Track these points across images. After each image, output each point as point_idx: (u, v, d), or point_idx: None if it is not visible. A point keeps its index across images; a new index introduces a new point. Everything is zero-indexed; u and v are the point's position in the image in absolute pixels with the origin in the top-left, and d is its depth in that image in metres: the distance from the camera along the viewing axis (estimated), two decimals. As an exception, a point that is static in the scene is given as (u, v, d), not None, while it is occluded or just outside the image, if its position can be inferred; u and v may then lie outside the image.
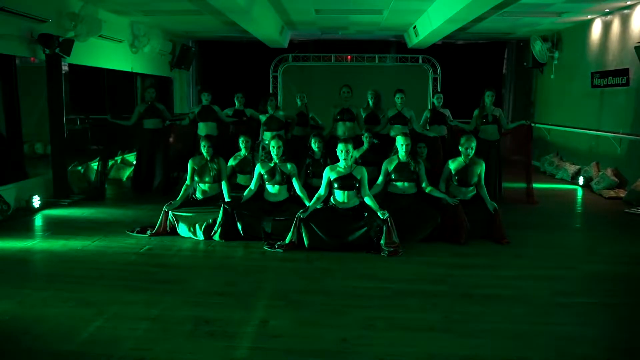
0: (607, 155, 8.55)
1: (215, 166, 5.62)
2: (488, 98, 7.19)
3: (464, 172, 5.51)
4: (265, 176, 5.43)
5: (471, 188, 5.58)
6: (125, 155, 9.32)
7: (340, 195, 5.16)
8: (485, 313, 3.60)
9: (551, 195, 7.97)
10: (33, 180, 6.94)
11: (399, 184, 5.47)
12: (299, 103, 7.52)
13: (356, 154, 6.10)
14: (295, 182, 5.45)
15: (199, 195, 5.72)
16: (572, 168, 9.30)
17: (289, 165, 5.46)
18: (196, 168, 5.63)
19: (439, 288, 4.07)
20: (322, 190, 5.18)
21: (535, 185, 7.61)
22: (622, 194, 7.64)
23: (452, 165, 5.59)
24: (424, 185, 5.45)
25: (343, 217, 5.09)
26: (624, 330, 3.45)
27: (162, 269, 4.49)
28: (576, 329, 3.39)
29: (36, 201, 6.54)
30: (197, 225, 5.37)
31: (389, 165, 5.48)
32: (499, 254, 4.99)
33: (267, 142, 5.64)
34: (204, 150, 5.62)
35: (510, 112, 12.96)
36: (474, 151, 5.51)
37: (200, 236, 5.37)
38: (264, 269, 4.54)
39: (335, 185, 5.14)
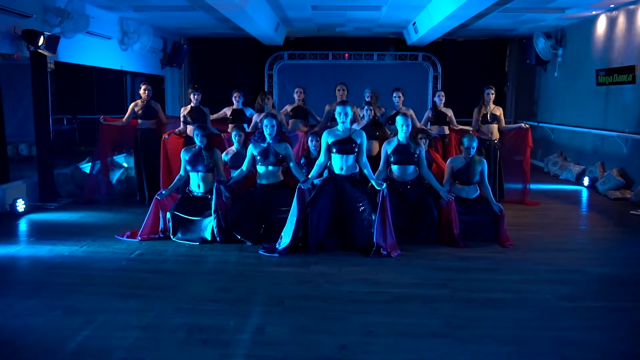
0: (613, 155, 8.43)
1: (209, 154, 5.41)
2: (488, 96, 7.09)
3: (466, 170, 5.44)
4: (258, 157, 5.26)
5: (474, 187, 5.50)
6: (114, 157, 9.11)
7: (338, 161, 4.98)
8: (488, 318, 3.53)
9: (556, 196, 7.86)
10: (17, 183, 6.75)
11: (398, 166, 5.33)
12: (296, 98, 7.41)
13: (356, 128, 6.00)
14: (291, 163, 5.31)
15: (194, 187, 5.48)
16: (576, 168, 9.16)
17: (283, 146, 5.30)
18: (187, 158, 5.43)
19: (440, 292, 3.99)
20: (322, 157, 5.04)
21: (539, 186, 7.52)
22: (628, 194, 7.53)
23: (454, 163, 5.53)
24: (423, 169, 5.32)
25: (343, 196, 4.95)
26: (632, 334, 3.35)
27: (153, 275, 4.37)
28: (582, 334, 3.31)
29: (20, 205, 6.39)
30: (193, 235, 5.25)
31: (388, 147, 5.34)
32: (502, 257, 4.90)
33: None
34: (197, 139, 5.41)
35: (513, 111, 12.85)
36: (475, 150, 5.49)
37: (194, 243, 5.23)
38: (260, 273, 4.44)
39: (334, 150, 4.95)
